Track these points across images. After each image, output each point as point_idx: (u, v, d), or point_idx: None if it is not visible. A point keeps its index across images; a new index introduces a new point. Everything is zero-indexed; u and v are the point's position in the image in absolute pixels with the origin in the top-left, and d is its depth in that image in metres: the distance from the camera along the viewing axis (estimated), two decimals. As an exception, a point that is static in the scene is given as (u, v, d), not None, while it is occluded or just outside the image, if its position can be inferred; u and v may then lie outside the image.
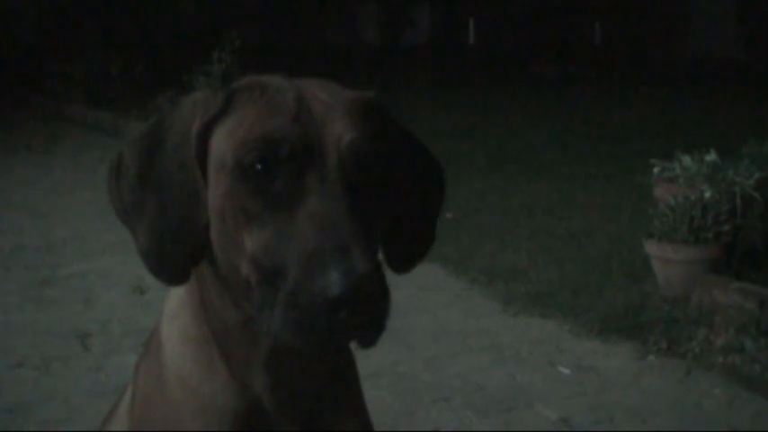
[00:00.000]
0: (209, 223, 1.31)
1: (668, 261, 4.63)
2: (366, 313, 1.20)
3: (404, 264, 1.49)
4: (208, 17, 14.89)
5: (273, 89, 1.33)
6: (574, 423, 3.50)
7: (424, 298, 4.95)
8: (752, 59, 16.88)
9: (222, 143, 1.30)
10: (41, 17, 15.55)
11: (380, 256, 1.39)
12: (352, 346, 1.63)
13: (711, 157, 4.98)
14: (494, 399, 3.71)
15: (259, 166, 1.26)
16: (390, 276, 4.54)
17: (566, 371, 3.98)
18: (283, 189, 1.25)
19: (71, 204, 7.40)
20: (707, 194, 4.66)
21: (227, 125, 1.31)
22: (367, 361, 3.89)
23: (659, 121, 10.71)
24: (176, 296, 1.50)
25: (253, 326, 1.34)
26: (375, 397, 3.53)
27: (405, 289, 5.04)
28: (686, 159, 5.04)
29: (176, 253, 1.33)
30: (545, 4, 21.92)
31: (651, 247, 4.72)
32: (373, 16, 23.85)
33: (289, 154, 1.26)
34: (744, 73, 15.09)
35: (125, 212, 1.36)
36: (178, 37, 15.00)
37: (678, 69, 16.29)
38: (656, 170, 5.15)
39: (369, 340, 1.27)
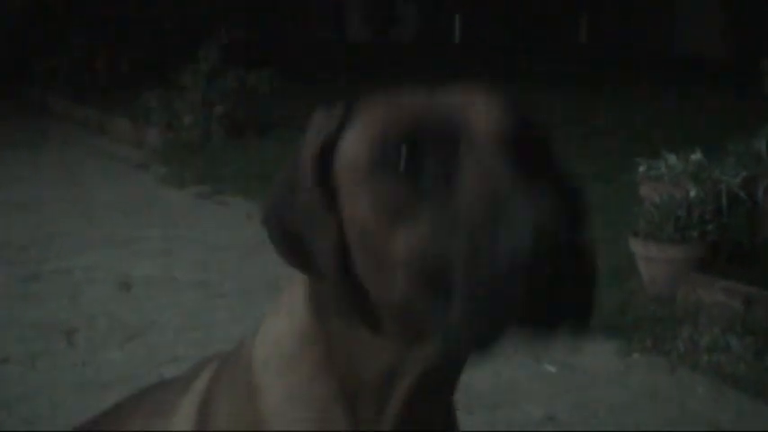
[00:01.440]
0: (346, 245, 1.16)
1: (653, 260, 4.65)
2: (568, 276, 0.99)
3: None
4: (194, 13, 14.86)
5: (396, 93, 1.21)
6: (559, 420, 3.52)
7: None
8: (738, 57, 16.97)
9: (350, 153, 1.17)
10: (26, 10, 15.48)
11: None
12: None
13: (696, 156, 5.00)
14: (479, 396, 3.71)
15: (402, 158, 1.11)
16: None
17: (551, 369, 4.00)
18: (434, 175, 1.10)
19: (57, 200, 7.38)
20: (692, 193, 4.68)
21: (353, 135, 1.18)
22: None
23: (645, 118, 10.72)
24: (283, 324, 1.30)
25: (394, 373, 1.20)
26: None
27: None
28: (671, 158, 5.06)
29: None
30: (531, 1, 21.97)
31: (636, 246, 4.73)
32: (360, 12, 23.88)
33: (434, 136, 1.12)
34: (730, 71, 15.14)
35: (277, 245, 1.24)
36: (164, 33, 14.96)
37: (664, 67, 16.34)
38: (641, 169, 5.17)
39: (579, 319, 1.04)
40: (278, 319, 1.30)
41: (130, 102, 10.38)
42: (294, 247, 1.19)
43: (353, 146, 1.16)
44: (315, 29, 22.24)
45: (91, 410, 3.48)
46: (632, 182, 5.43)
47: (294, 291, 1.28)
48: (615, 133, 9.94)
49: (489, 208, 1.01)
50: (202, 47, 9.80)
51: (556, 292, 0.99)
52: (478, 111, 1.15)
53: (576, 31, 22.12)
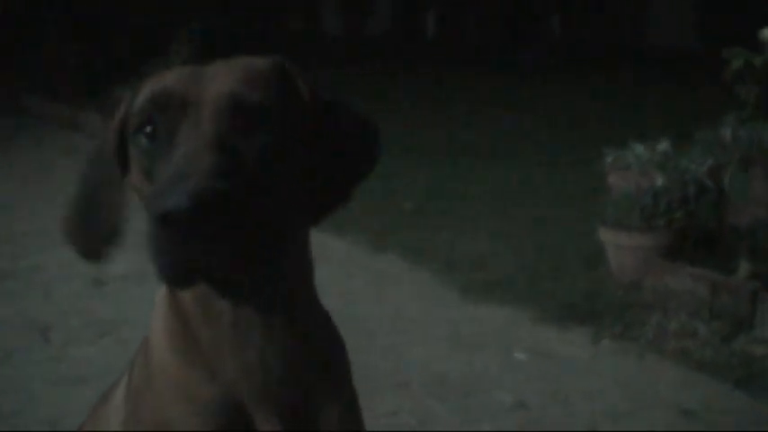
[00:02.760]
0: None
1: (621, 247, 4.71)
2: (214, 234, 1.16)
3: (313, 215, 1.43)
4: (166, 6, 14.80)
5: (181, 68, 1.40)
6: (530, 406, 3.57)
7: (382, 287, 4.99)
8: (708, 48, 17.05)
9: (129, 124, 1.39)
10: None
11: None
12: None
13: (663, 145, 5.06)
14: (452, 385, 3.77)
15: (147, 127, 1.32)
16: (348, 265, 4.59)
17: (522, 356, 4.05)
18: (163, 141, 1.29)
19: (31, 198, 7.35)
20: (659, 182, 4.73)
21: (133, 108, 1.38)
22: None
23: (617, 108, 10.79)
24: (160, 292, 1.52)
25: (206, 300, 1.38)
26: (334, 384, 3.58)
27: (363, 277, 5.11)
28: (638, 147, 5.12)
29: (91, 233, 1.44)
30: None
31: (605, 234, 4.79)
32: (335, 4, 23.82)
33: (171, 106, 1.31)
34: (700, 61, 15.22)
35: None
36: (137, 28, 14.90)
37: (636, 58, 16.41)
38: (609, 159, 5.22)
39: (234, 267, 1.22)
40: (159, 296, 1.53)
41: (104, 98, 10.34)
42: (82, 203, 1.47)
43: (130, 119, 1.37)
44: (288, 20, 22.18)
45: (66, 405, 3.54)
46: (601, 171, 5.48)
47: None
48: (587, 122, 10.00)
49: (169, 175, 1.20)
50: (174, 40, 9.78)
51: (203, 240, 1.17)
52: (215, 84, 1.33)
53: (549, 23, 22.16)
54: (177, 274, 1.23)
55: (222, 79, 1.33)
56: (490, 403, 3.60)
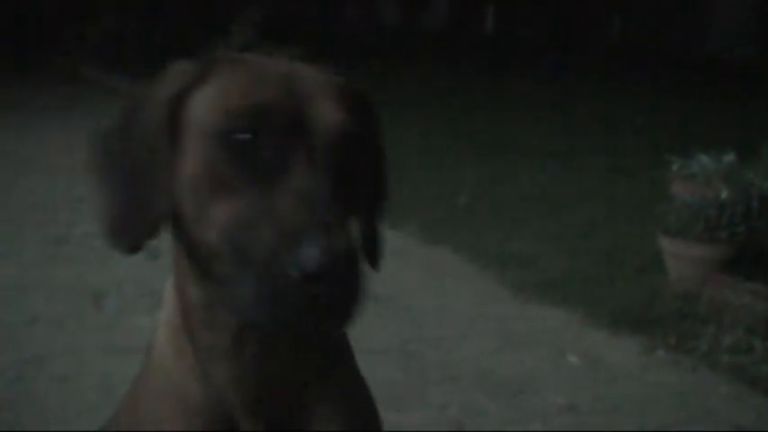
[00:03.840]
0: (180, 194, 1.26)
1: (681, 257, 4.65)
2: (340, 295, 1.13)
3: (374, 258, 1.44)
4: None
5: (257, 63, 1.31)
6: (580, 411, 3.53)
7: (434, 280, 4.98)
8: (766, 58, 16.88)
9: (201, 111, 1.26)
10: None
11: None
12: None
13: (729, 157, 5.00)
14: (502, 382, 3.74)
15: (245, 136, 1.22)
16: (401, 257, 4.59)
17: (574, 360, 4.01)
18: (266, 161, 1.21)
19: (86, 165, 7.41)
20: (723, 194, 4.67)
21: (207, 93, 1.28)
22: (376, 338, 3.95)
23: (675, 117, 10.70)
24: (168, 283, 1.47)
25: (214, 307, 1.32)
26: (384, 373, 3.57)
27: (415, 270, 5.09)
28: (704, 158, 5.06)
29: (133, 221, 1.28)
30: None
31: (665, 243, 4.74)
32: (393, -3, 23.84)
33: (277, 126, 1.22)
34: (760, 71, 15.05)
35: (96, 172, 1.33)
36: (198, 5, 14.97)
37: (694, 67, 16.26)
38: (674, 167, 5.16)
39: (336, 326, 1.23)
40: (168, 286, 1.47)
41: (161, 72, 10.38)
42: (119, 184, 1.29)
43: (203, 105, 1.27)
44: (346, 10, 22.23)
45: (116, 374, 3.55)
46: (662, 179, 5.42)
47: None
48: (645, 129, 9.92)
49: (298, 216, 1.14)
50: (236, 21, 9.81)
51: (329, 302, 1.13)
52: (323, 108, 1.26)
53: (609, 27, 22.03)
54: (288, 319, 1.15)
55: (327, 105, 1.27)
56: (541, 404, 3.56)
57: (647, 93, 12.94)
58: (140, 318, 4.17)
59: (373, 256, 1.43)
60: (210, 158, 1.22)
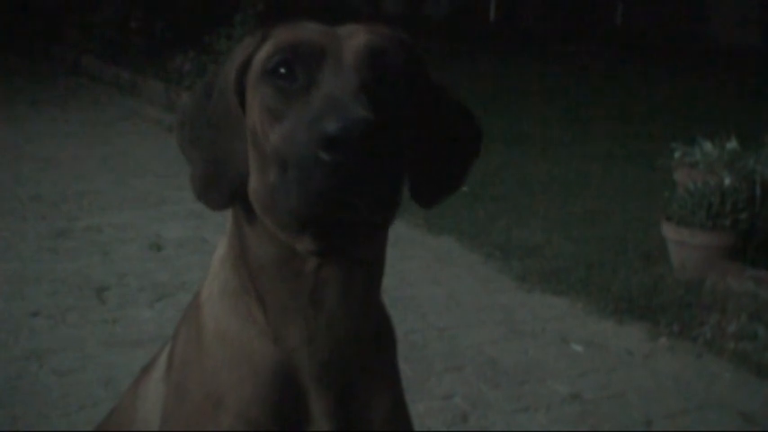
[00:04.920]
0: (250, 149, 1.37)
1: (684, 245, 4.63)
2: (366, 165, 1.18)
3: (428, 197, 1.47)
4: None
5: (307, 22, 1.42)
6: (584, 399, 3.52)
7: (438, 269, 4.97)
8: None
9: (257, 65, 1.38)
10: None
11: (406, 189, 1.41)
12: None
13: (732, 144, 4.98)
14: (506, 371, 3.73)
15: (282, 69, 1.33)
16: (405, 246, 4.58)
17: (578, 348, 4.00)
18: (301, 83, 1.31)
19: (87, 158, 7.41)
20: (726, 181, 4.66)
21: (262, 51, 1.39)
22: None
23: (678, 104, 10.67)
24: (217, 257, 1.52)
25: (292, 260, 1.36)
26: (388, 363, 3.56)
27: (419, 259, 5.08)
28: (707, 145, 5.04)
29: (222, 180, 1.39)
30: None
31: (668, 230, 4.72)
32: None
33: (308, 54, 1.33)
34: (763, 59, 15.02)
35: (185, 145, 1.45)
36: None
37: (695, 53, 16.22)
38: (676, 154, 5.15)
39: (378, 210, 1.25)
40: (219, 249, 1.53)
41: (163, 64, 10.37)
42: (204, 148, 1.42)
43: (257, 60, 1.39)
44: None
45: (119, 366, 3.55)
46: (666, 166, 5.40)
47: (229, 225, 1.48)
48: (648, 117, 9.89)
49: (322, 108, 1.22)
50: (238, 12, 9.77)
51: (360, 190, 1.20)
52: (351, 35, 1.37)
53: (612, 14, 21.98)
54: (317, 206, 1.22)
55: (360, 35, 1.37)
56: (545, 393, 3.56)
57: (649, 79, 12.90)
58: (143, 311, 4.17)
59: (433, 193, 1.48)
60: (263, 99, 1.33)
